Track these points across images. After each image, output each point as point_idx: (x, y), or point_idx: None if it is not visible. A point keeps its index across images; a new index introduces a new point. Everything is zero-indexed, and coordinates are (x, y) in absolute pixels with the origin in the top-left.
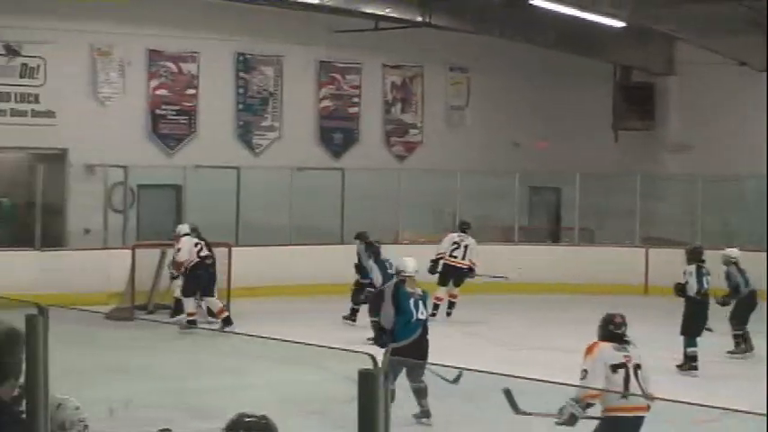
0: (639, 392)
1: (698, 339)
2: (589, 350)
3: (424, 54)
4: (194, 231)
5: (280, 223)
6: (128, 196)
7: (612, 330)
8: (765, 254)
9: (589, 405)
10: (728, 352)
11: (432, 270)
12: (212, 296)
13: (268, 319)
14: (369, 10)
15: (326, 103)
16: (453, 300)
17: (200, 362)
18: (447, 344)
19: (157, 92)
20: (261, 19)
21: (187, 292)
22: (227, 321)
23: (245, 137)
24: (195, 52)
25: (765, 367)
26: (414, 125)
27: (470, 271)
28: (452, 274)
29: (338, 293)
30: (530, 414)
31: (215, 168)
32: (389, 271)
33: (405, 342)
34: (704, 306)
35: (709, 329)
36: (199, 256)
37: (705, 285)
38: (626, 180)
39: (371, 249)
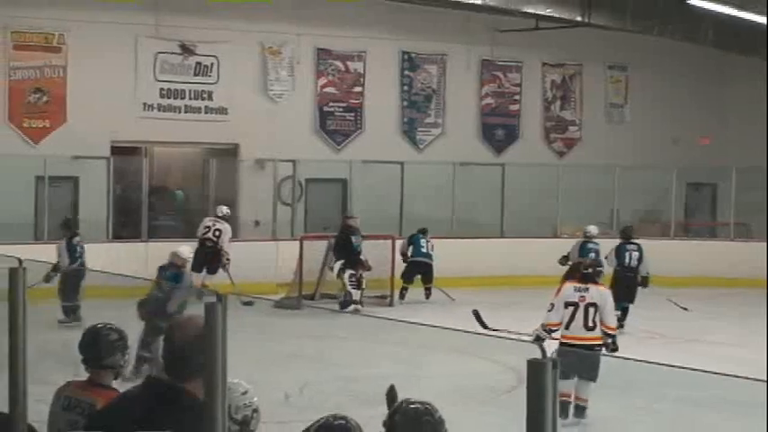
0: (581, 325)
1: None
2: (558, 290)
3: (584, 52)
4: None
5: (442, 216)
6: (296, 190)
7: (582, 270)
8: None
9: (552, 331)
10: None
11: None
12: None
13: (432, 309)
14: (529, 10)
15: (488, 100)
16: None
17: (370, 350)
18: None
19: (325, 89)
20: (425, 18)
21: None
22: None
23: (410, 133)
24: (362, 51)
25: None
26: (573, 122)
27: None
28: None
29: (498, 285)
30: (497, 330)
31: (380, 163)
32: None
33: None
34: None
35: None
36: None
37: None
38: None
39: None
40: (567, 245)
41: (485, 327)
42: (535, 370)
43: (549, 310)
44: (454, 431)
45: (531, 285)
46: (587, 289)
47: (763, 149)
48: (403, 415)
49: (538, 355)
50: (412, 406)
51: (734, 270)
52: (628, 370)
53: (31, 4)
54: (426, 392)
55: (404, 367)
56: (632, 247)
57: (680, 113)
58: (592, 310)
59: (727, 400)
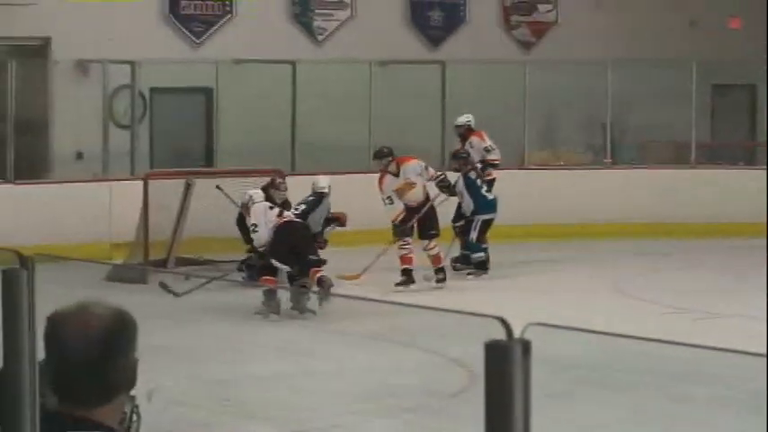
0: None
1: None
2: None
3: None
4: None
5: (355, 141)
6: (137, 105)
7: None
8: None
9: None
10: None
11: None
12: None
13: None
14: None
15: None
16: None
17: (247, 338)
18: None
19: None
20: None
21: None
22: None
23: (303, 17)
24: None
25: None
26: None
27: None
28: None
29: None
30: (190, 291)
31: (260, 63)
32: None
33: None
34: None
35: None
36: None
37: None
38: None
39: None
40: (539, 178)
41: (176, 294)
42: (497, 356)
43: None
44: None
45: (489, 239)
46: None
47: None
48: None
49: (499, 334)
50: None
51: None
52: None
53: None
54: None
55: (295, 362)
56: None
57: None
58: None
59: None
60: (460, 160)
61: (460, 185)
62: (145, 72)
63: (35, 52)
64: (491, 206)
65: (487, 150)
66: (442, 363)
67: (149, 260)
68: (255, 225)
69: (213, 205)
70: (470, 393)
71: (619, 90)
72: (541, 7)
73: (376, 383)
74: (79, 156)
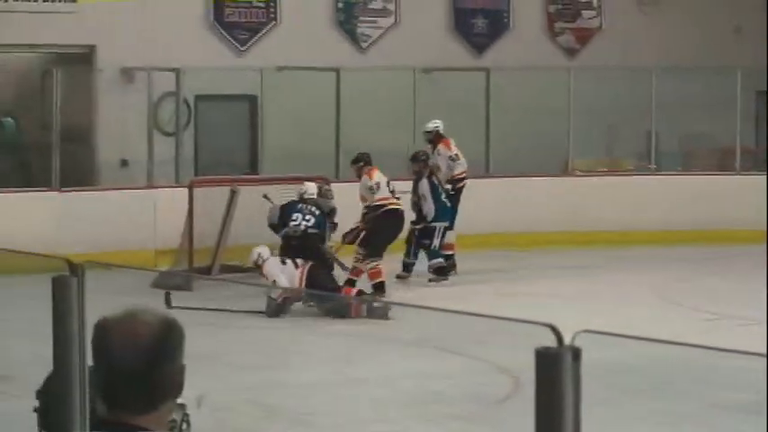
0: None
1: None
2: (370, 174)
3: None
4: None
5: (397, 147)
6: (181, 112)
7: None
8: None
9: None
10: None
11: None
12: None
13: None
14: None
15: None
16: None
17: (291, 345)
18: None
19: None
20: None
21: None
22: None
23: (347, 25)
24: None
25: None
26: (589, 4)
27: None
28: None
29: (484, 246)
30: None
31: (305, 70)
32: None
33: None
34: None
35: None
36: None
37: None
38: None
39: None
40: (583, 185)
41: (169, 306)
42: (547, 364)
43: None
44: None
45: (534, 246)
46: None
47: None
48: None
49: (549, 341)
50: None
51: None
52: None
53: None
54: (371, 405)
55: (338, 369)
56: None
57: None
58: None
59: None
60: (420, 162)
61: (425, 188)
62: (189, 79)
63: (80, 60)
64: (447, 214)
65: (452, 159)
66: (486, 369)
67: (194, 267)
68: (275, 281)
69: (258, 212)
70: (516, 400)
71: (663, 96)
72: (585, 14)
73: (420, 390)
74: (124, 163)
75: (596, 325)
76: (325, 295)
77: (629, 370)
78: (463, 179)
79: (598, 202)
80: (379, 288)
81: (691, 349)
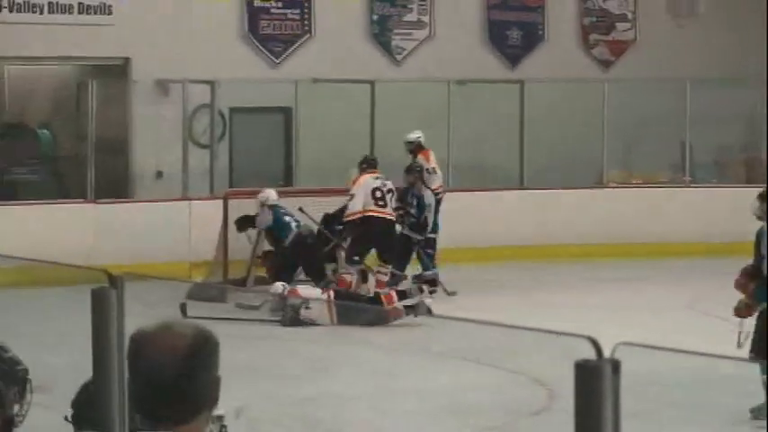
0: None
1: None
2: (356, 181)
3: None
4: None
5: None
6: (216, 124)
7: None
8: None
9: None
10: None
11: None
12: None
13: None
14: None
15: None
16: None
17: (328, 356)
18: None
19: None
20: None
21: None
22: None
23: (381, 37)
24: None
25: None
26: (623, 17)
27: None
28: None
29: (518, 258)
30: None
31: (339, 83)
32: None
33: None
34: None
35: None
36: None
37: None
38: None
39: None
40: (617, 197)
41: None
42: (587, 376)
43: (350, 200)
44: None
45: (568, 258)
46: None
47: None
48: None
49: (586, 353)
50: None
51: None
52: None
53: None
54: (409, 416)
55: (375, 381)
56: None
57: None
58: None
59: None
60: (415, 174)
61: (431, 200)
62: (224, 91)
63: (115, 72)
64: (437, 227)
65: (428, 172)
66: (521, 381)
67: (229, 279)
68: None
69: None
70: (551, 412)
71: (697, 108)
72: (620, 26)
73: (456, 402)
74: (159, 175)
75: (631, 336)
76: (367, 307)
77: (665, 382)
78: (439, 193)
79: (633, 214)
80: (431, 283)
81: (728, 362)
